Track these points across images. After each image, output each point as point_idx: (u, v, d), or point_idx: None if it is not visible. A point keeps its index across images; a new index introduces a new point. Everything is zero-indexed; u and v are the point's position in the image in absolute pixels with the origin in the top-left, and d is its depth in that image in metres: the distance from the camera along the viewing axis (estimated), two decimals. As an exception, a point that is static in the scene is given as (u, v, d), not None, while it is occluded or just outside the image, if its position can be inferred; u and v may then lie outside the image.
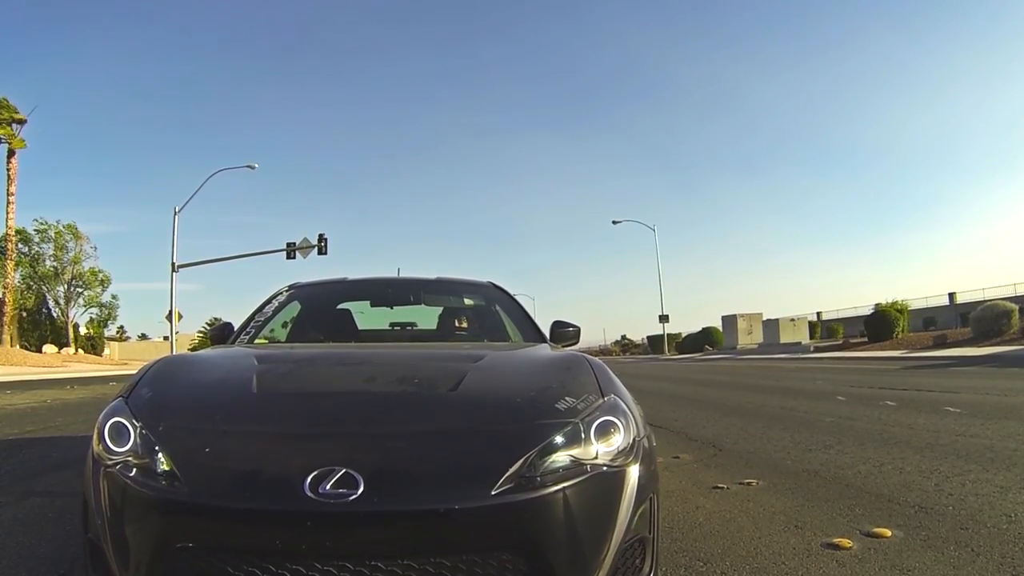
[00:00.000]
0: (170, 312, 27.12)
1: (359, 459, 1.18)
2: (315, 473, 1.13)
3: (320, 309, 3.14)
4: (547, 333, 2.77)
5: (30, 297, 32.07)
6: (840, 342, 27.72)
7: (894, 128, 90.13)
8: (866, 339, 24.55)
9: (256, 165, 27.61)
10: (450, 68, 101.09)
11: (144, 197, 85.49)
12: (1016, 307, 19.46)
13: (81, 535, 1.41)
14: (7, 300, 27.23)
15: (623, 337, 51.42)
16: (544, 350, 2.24)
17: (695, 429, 5.16)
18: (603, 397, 1.47)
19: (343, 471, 1.14)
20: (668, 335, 37.46)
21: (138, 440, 1.31)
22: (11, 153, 26.75)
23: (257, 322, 2.76)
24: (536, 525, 1.14)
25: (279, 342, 2.75)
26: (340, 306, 3.21)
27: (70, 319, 32.32)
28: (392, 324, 3.28)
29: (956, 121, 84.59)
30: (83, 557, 1.40)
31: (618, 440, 1.34)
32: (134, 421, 1.36)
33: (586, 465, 1.26)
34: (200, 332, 54.25)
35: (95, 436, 1.40)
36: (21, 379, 15.54)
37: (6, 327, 26.59)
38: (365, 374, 1.80)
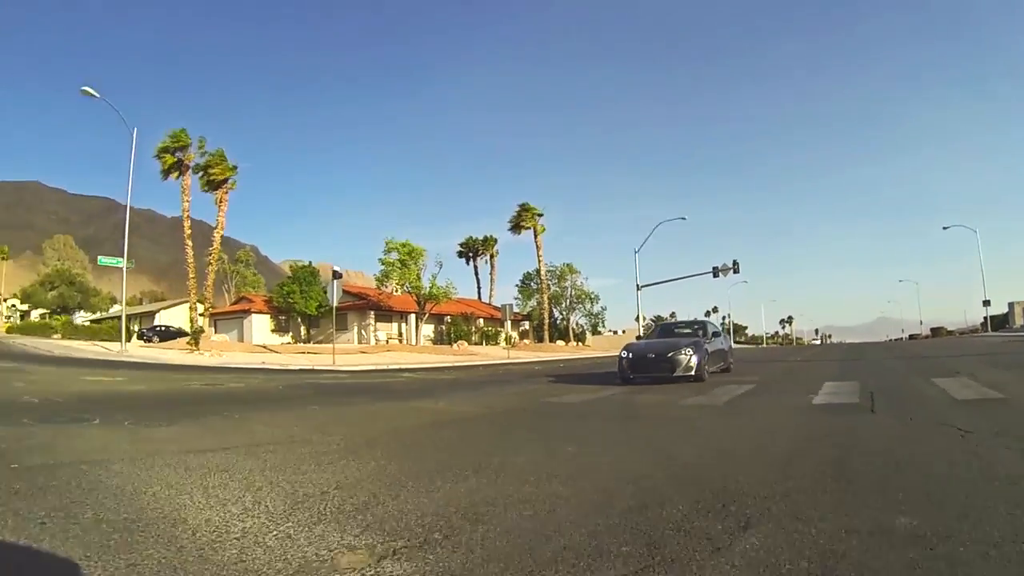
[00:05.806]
0: (637, 316, 44.52)
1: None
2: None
3: (659, 328, 14.91)
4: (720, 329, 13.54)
5: (545, 310, 55.03)
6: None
7: None
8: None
9: (685, 217, 42.18)
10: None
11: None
12: None
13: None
14: (545, 316, 49.71)
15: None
16: (703, 337, 13.01)
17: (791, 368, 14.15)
18: (703, 337, 12.57)
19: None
20: (991, 316, 48.17)
21: (625, 358, 13.01)
22: (536, 234, 49.50)
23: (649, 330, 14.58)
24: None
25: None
26: (663, 324, 14.85)
27: (571, 323, 53.94)
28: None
29: None
30: (619, 371, 12.18)
31: (722, 341, 13.11)
32: (627, 353, 12.83)
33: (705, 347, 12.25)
34: (644, 328, 73.00)
35: (624, 353, 12.89)
36: (576, 359, 32.21)
37: (546, 331, 48.90)
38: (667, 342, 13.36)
